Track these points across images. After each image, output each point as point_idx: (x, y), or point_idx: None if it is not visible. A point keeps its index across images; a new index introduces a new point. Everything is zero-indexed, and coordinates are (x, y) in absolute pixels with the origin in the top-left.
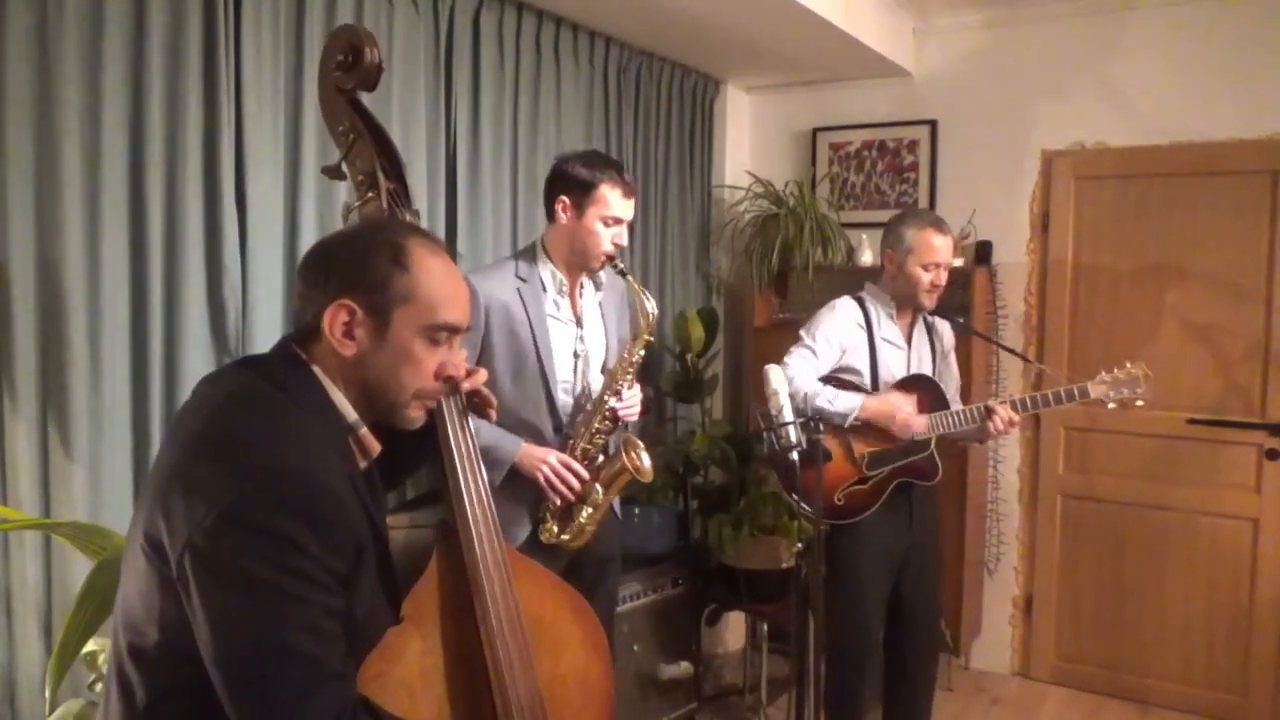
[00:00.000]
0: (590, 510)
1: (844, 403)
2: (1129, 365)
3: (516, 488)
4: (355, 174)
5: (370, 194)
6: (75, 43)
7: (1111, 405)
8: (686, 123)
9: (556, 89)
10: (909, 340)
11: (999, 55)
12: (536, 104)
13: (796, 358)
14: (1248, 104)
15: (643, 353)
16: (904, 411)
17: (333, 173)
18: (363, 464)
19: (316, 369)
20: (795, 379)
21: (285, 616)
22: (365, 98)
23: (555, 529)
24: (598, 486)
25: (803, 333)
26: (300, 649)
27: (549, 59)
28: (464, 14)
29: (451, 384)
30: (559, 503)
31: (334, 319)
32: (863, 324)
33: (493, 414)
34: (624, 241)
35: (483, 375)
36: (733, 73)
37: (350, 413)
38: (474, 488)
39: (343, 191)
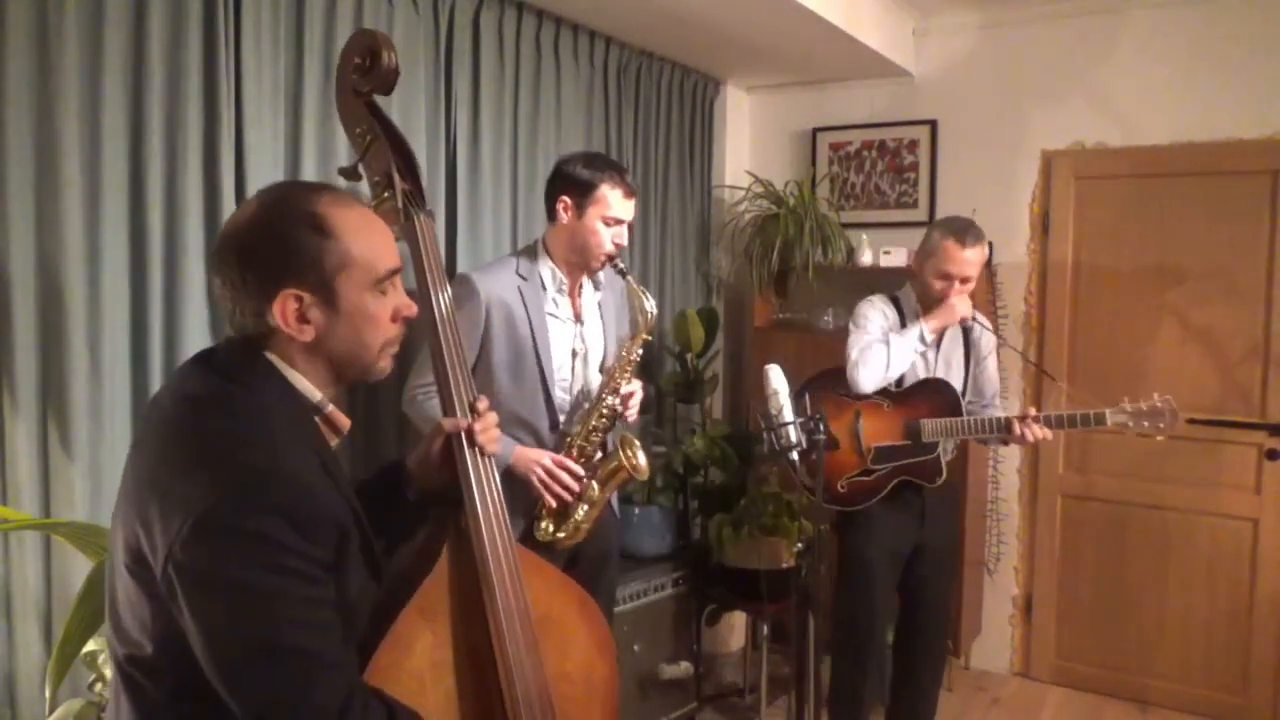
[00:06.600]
0: (587, 508)
1: (910, 334)
2: (1156, 398)
3: (510, 487)
4: (371, 175)
5: (386, 194)
6: (75, 43)
7: (1128, 433)
8: (686, 123)
9: (556, 89)
10: (937, 342)
11: (999, 55)
12: (536, 104)
13: (862, 341)
14: (1247, 104)
15: (641, 351)
16: (956, 298)
17: (349, 174)
18: (334, 442)
19: (272, 356)
20: (872, 348)
21: (275, 615)
22: None
23: (550, 528)
24: (594, 484)
25: (852, 324)
26: (295, 645)
27: (549, 59)
28: (464, 14)
29: (408, 323)
30: (554, 504)
31: (284, 312)
32: (894, 320)
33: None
34: (624, 241)
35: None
36: (733, 73)
37: (314, 393)
38: (486, 484)
39: None
